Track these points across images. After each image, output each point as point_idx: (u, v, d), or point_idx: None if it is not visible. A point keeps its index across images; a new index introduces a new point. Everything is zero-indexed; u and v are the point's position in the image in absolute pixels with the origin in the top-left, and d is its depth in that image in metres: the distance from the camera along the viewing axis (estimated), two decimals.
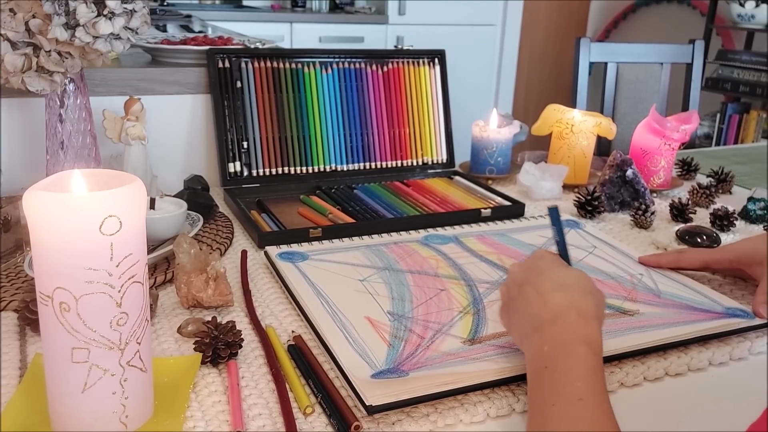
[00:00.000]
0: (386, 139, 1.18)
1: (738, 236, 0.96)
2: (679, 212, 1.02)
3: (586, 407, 0.47)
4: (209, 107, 1.11)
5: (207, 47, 1.09)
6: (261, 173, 1.09)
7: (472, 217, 0.99)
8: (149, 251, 0.77)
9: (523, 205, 1.03)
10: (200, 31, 2.24)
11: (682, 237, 0.93)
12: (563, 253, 0.63)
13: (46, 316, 0.46)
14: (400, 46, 3.04)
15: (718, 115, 3.16)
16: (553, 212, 0.63)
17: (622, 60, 1.97)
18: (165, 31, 2.34)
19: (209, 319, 0.63)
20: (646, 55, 1.97)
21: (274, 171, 1.10)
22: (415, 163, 1.21)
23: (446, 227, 0.94)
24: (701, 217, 1.04)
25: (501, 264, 0.82)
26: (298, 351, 0.62)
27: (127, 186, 0.46)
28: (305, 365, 0.60)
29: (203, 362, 0.60)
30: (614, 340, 0.64)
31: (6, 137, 0.99)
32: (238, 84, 1.09)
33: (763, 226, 1.01)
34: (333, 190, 1.09)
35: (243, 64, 1.09)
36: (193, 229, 0.86)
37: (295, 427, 0.52)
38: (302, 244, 0.85)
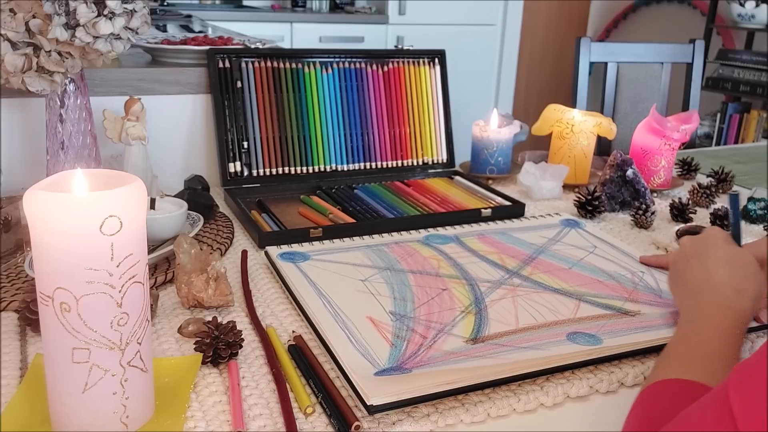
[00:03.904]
0: (386, 139, 1.18)
1: None
2: (680, 212, 1.02)
3: (702, 355, 0.53)
4: (209, 107, 1.11)
5: (207, 47, 1.09)
6: (261, 173, 1.09)
7: (472, 217, 0.99)
8: (149, 251, 0.77)
9: (523, 205, 1.03)
10: (200, 31, 2.23)
11: (683, 237, 0.92)
12: (735, 234, 0.67)
13: (46, 316, 0.46)
14: (400, 46, 3.04)
15: (719, 115, 3.16)
16: (734, 198, 0.69)
17: (623, 60, 1.97)
18: (165, 31, 2.34)
19: (210, 319, 0.63)
20: (646, 54, 1.97)
21: (274, 171, 1.10)
22: (415, 163, 1.21)
23: (447, 227, 0.94)
24: (701, 217, 1.04)
25: (502, 263, 0.82)
26: (298, 351, 0.62)
27: (127, 186, 0.46)
28: (306, 365, 0.60)
29: (204, 362, 0.60)
30: (614, 339, 0.64)
31: (6, 137, 0.99)
32: (238, 84, 1.09)
33: (763, 226, 1.01)
34: (333, 190, 1.09)
35: (243, 64, 1.09)
36: (193, 229, 0.86)
37: (296, 427, 0.52)
38: (303, 244, 0.85)
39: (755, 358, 0.38)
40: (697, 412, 0.41)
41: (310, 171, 1.13)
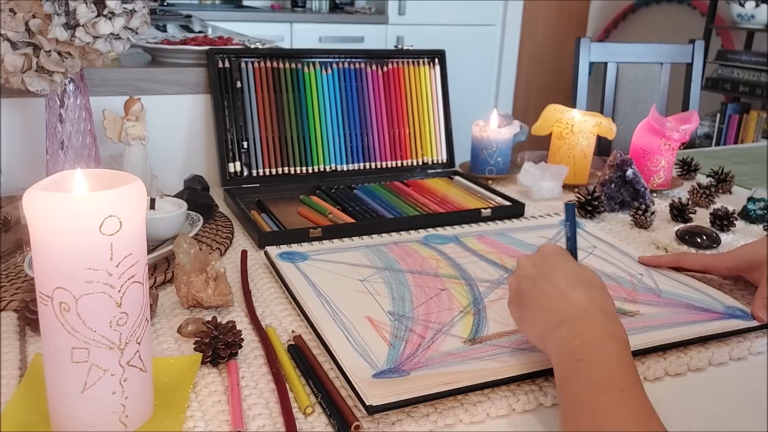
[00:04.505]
0: (386, 139, 1.18)
1: (738, 236, 0.96)
2: (679, 212, 1.02)
3: (628, 398, 0.48)
4: (209, 107, 1.11)
5: (207, 47, 1.09)
6: (261, 173, 1.09)
7: (472, 217, 0.99)
8: (149, 251, 0.77)
9: (522, 205, 1.03)
10: (200, 31, 2.23)
11: (682, 237, 0.93)
12: (572, 249, 0.64)
13: (46, 316, 0.46)
14: (400, 46, 3.04)
15: (718, 115, 3.16)
16: (569, 208, 0.65)
17: (622, 60, 1.97)
18: (165, 31, 2.34)
19: (209, 319, 0.63)
20: (646, 55, 1.97)
21: (274, 171, 1.10)
22: (415, 163, 1.21)
23: (446, 227, 0.94)
24: (701, 217, 1.04)
25: (501, 263, 0.82)
26: (298, 351, 0.62)
27: (127, 186, 0.46)
28: (305, 365, 0.60)
29: (203, 362, 0.60)
30: None
31: (6, 137, 0.99)
32: (238, 84, 1.09)
33: (763, 226, 1.01)
34: (333, 190, 1.09)
35: (243, 64, 1.09)
36: (193, 229, 0.86)
37: (295, 427, 0.52)
38: (302, 244, 0.85)
39: None
40: None
41: (310, 171, 1.13)
